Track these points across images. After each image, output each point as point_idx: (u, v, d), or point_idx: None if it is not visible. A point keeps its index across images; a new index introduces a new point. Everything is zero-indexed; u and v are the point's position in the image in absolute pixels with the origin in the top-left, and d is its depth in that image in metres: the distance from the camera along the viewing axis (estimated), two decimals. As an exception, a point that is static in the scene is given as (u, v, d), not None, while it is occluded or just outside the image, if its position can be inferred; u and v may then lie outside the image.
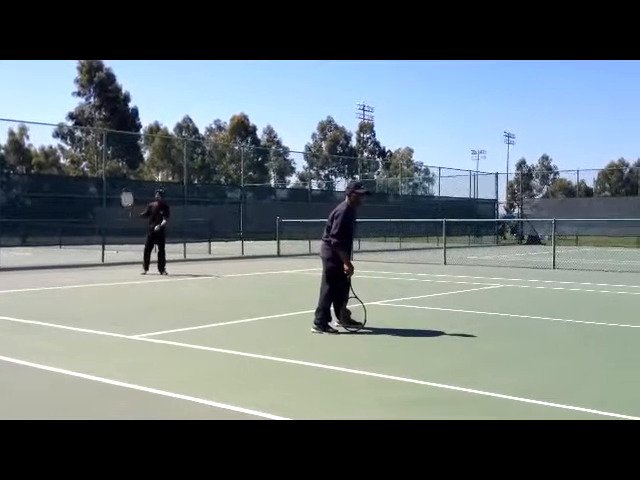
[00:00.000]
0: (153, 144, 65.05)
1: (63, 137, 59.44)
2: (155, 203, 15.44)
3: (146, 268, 15.25)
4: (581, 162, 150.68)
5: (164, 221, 15.18)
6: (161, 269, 15.28)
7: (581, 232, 35.42)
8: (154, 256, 15.48)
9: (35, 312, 9.20)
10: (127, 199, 16.19)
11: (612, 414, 4.50)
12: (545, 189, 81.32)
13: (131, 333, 7.50)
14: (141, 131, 64.01)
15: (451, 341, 7.38)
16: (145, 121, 67.95)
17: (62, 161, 60.09)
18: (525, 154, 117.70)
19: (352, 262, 8.01)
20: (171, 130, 70.05)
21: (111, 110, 59.46)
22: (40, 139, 74.71)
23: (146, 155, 67.56)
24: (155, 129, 67.36)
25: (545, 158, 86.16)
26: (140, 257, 15.99)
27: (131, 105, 62.25)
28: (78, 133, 59.65)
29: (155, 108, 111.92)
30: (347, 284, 8.01)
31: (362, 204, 8.25)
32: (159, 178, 64.31)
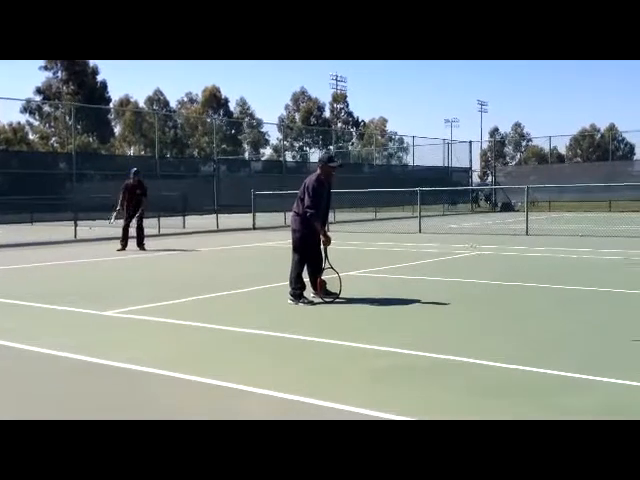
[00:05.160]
0: (124, 118, 63.96)
1: (31, 112, 58.23)
2: (130, 181, 15.28)
3: (124, 245, 15.11)
4: (553, 129, 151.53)
5: (143, 206, 15.22)
6: (140, 244, 15.20)
7: (554, 198, 35.82)
8: (132, 232, 15.35)
9: (4, 290, 9.07)
10: (112, 218, 15.91)
11: (591, 377, 4.59)
12: (518, 156, 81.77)
13: (106, 309, 7.44)
14: (111, 105, 62.89)
15: (428, 309, 7.44)
16: (115, 95, 67.05)
17: (31, 137, 58.90)
18: (498, 122, 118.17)
19: (328, 233, 8.02)
20: (142, 103, 68.98)
21: (79, 84, 58.28)
22: (8, 115, 73.05)
23: (117, 129, 66.50)
24: (125, 102, 66.22)
25: (518, 125, 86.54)
26: (113, 233, 15.84)
27: (100, 78, 61.10)
28: (46, 108, 58.48)
29: (125, 81, 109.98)
30: (321, 254, 8.03)
31: (333, 176, 8.23)
32: (131, 152, 63.44)
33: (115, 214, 15.71)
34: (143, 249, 15.07)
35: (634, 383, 4.40)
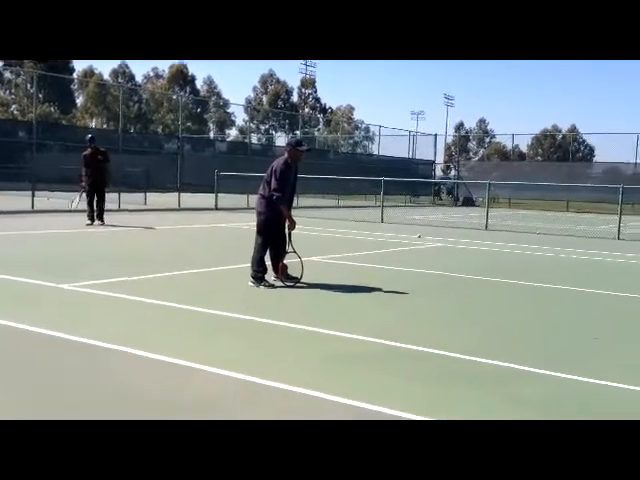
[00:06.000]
0: (87, 89, 62.66)
1: (-9, 78, 56.63)
2: (88, 151, 14.93)
3: (92, 219, 14.80)
4: (516, 127, 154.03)
5: (107, 167, 14.94)
6: (99, 217, 14.88)
7: (514, 195, 36.41)
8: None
9: (-39, 259, 8.85)
10: (75, 200, 15.67)
11: (545, 371, 4.71)
12: (481, 152, 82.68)
13: (62, 282, 7.33)
14: (74, 75, 61.51)
15: (386, 297, 7.53)
16: (79, 65, 65.35)
17: (-11, 103, 57.31)
18: (464, 117, 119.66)
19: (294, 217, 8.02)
20: (106, 75, 67.61)
21: (43, 51, 56.77)
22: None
23: (79, 101, 65.14)
24: (89, 74, 64.84)
25: (482, 121, 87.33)
26: (74, 205, 15.59)
27: (64, 47, 59.60)
28: (8, 74, 56.89)
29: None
30: (284, 238, 8.03)
31: (301, 160, 8.23)
32: (93, 125, 62.19)
33: (80, 194, 15.34)
34: (102, 223, 14.81)
35: (579, 378, 4.58)
